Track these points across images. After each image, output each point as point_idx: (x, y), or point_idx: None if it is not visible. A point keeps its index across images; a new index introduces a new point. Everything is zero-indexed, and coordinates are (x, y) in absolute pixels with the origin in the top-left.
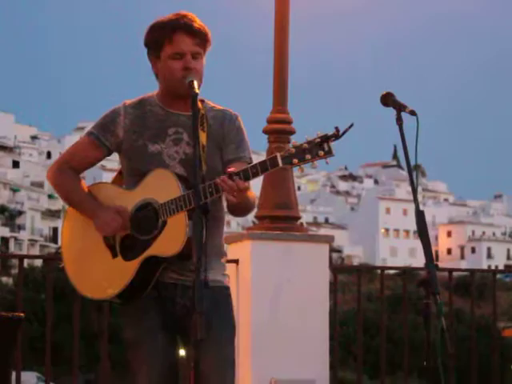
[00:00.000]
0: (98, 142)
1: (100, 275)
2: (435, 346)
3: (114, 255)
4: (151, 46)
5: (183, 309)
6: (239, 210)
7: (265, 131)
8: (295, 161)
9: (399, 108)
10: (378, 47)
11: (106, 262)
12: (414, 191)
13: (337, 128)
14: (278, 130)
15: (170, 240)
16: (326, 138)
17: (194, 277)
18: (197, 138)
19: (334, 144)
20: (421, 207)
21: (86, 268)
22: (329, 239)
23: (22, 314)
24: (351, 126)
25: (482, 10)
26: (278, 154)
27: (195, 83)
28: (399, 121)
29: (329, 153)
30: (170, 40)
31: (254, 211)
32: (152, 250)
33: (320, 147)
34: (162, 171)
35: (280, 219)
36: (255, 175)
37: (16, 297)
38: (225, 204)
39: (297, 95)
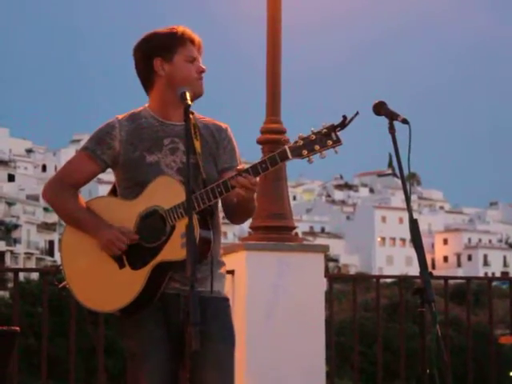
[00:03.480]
0: (94, 156)
1: (109, 287)
2: (431, 354)
3: (121, 266)
4: (162, 50)
5: (186, 319)
6: (241, 211)
7: (258, 141)
8: (304, 152)
9: (391, 117)
10: (368, 55)
11: (113, 274)
12: (408, 200)
13: (344, 116)
14: (272, 140)
15: (181, 243)
16: (332, 128)
17: (196, 287)
18: (191, 145)
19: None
20: (416, 215)
21: (92, 282)
22: (324, 249)
23: (17, 328)
24: (356, 114)
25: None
26: (287, 147)
27: (188, 95)
28: (392, 130)
29: (337, 141)
30: (184, 45)
31: (249, 221)
32: (162, 256)
33: (328, 137)
34: (165, 178)
35: (275, 229)
36: (265, 170)
37: (13, 310)
38: (221, 214)
39: (290, 105)
